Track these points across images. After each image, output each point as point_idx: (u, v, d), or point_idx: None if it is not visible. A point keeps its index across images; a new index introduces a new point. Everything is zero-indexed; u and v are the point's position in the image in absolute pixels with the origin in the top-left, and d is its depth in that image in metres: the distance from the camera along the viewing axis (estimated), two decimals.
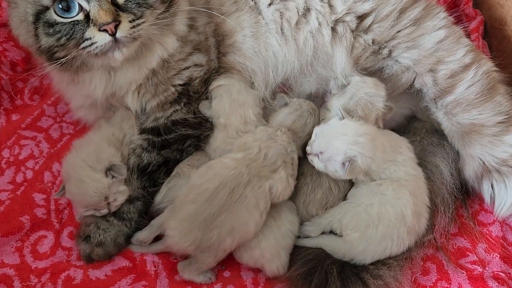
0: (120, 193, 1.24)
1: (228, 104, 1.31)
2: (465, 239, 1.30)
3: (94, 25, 1.09)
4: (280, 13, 1.35)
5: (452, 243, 1.29)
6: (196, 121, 1.32)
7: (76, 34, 1.10)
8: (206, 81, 1.35)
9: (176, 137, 1.30)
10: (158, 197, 1.29)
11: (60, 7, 1.09)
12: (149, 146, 1.29)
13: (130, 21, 1.11)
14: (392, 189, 1.21)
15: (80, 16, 1.10)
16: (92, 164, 1.22)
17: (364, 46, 1.35)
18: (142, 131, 1.32)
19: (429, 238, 1.25)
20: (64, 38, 1.10)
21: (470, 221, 1.32)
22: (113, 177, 1.22)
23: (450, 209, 1.30)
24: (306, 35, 1.35)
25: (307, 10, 1.35)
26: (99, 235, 1.24)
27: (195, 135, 1.32)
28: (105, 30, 1.09)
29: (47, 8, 1.10)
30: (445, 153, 1.37)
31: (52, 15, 1.10)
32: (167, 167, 1.29)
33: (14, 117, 1.54)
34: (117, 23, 1.09)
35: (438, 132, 1.41)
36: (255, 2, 1.37)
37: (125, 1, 1.12)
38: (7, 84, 1.57)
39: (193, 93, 1.33)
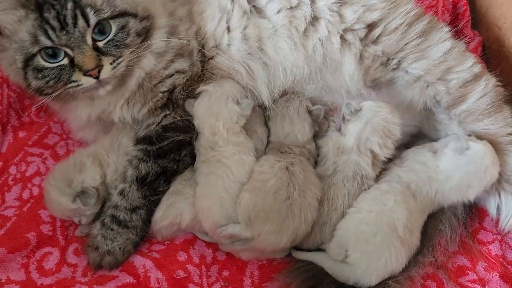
0: (85, 216, 1.31)
1: (204, 109, 1.33)
2: (465, 258, 1.31)
3: (79, 70, 1.18)
4: (289, 20, 1.37)
5: (452, 262, 1.30)
6: (184, 124, 1.34)
7: (63, 77, 1.18)
8: (188, 88, 1.37)
9: (169, 143, 1.32)
10: (158, 214, 1.30)
11: (48, 52, 1.17)
12: (144, 156, 1.31)
13: (111, 63, 1.21)
14: (394, 201, 1.24)
15: (65, 61, 1.18)
16: (62, 188, 1.27)
17: (374, 56, 1.37)
18: (137, 141, 1.34)
19: (430, 260, 1.26)
20: (52, 81, 1.19)
21: (470, 240, 1.33)
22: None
23: (457, 236, 1.32)
24: (315, 43, 1.37)
25: (315, 18, 1.37)
26: (107, 245, 1.28)
27: (187, 140, 1.33)
28: (90, 75, 1.18)
29: (34, 55, 1.17)
30: None
31: (40, 61, 1.18)
32: (165, 176, 1.31)
33: (21, 134, 1.56)
34: (100, 67, 1.19)
35: None
36: (253, 6, 1.38)
37: (104, 45, 1.20)
38: (15, 101, 1.60)
39: (176, 99, 1.36)
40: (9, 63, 1.21)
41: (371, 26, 1.37)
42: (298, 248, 1.29)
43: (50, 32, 1.14)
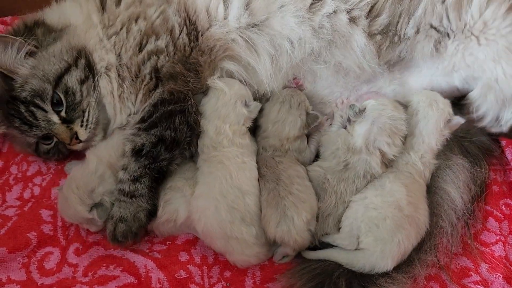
0: (94, 225, 1.31)
1: (210, 110, 1.34)
2: (468, 259, 1.31)
3: (64, 143, 1.35)
4: None
5: (455, 263, 1.30)
6: (174, 98, 1.33)
7: (63, 150, 1.39)
8: (184, 60, 1.36)
9: (158, 115, 1.31)
10: (159, 212, 1.30)
11: (43, 137, 1.36)
12: (138, 131, 1.32)
13: (81, 125, 1.32)
14: (389, 182, 1.29)
15: (55, 139, 1.36)
16: (83, 197, 1.27)
17: (381, 28, 1.40)
18: (133, 124, 1.35)
19: (432, 259, 1.26)
20: (57, 154, 1.40)
21: (471, 242, 1.33)
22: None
23: (458, 233, 1.31)
24: (322, 18, 1.39)
25: None
26: (120, 212, 1.29)
27: (177, 109, 1.32)
28: (73, 143, 1.33)
29: (37, 144, 1.38)
30: (454, 176, 1.38)
31: (44, 147, 1.38)
32: (165, 145, 1.30)
33: None
34: (75, 135, 1.32)
35: (443, 154, 1.40)
36: None
37: (66, 114, 1.31)
38: None
39: (164, 76, 1.35)
40: (23, 148, 1.44)
41: (373, 2, 1.40)
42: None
43: (27, 133, 1.32)
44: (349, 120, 1.35)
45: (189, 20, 1.39)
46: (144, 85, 1.35)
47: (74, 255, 1.31)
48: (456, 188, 1.36)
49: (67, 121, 1.31)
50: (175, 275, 1.26)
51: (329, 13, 1.39)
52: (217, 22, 1.39)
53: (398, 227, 1.22)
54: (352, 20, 1.40)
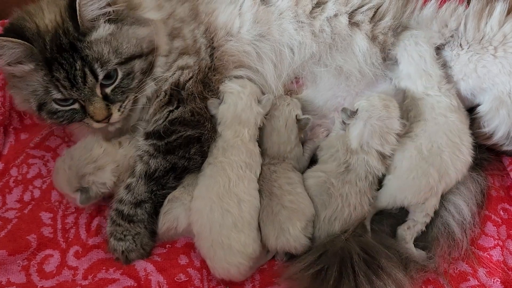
0: (74, 200, 1.33)
1: (230, 117, 1.35)
2: (466, 263, 1.32)
3: (91, 117, 1.24)
4: (295, 2, 1.41)
5: (453, 267, 1.30)
6: (194, 119, 1.34)
7: (76, 118, 1.26)
8: (203, 80, 1.38)
9: (177, 139, 1.32)
10: (159, 224, 1.31)
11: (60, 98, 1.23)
12: (155, 151, 1.31)
13: (118, 109, 1.27)
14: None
15: (77, 106, 1.25)
16: (72, 177, 1.29)
17: (385, 30, 1.42)
18: (147, 136, 1.35)
19: (431, 267, 1.27)
20: (66, 120, 1.27)
21: (469, 247, 1.33)
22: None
23: (460, 241, 1.32)
24: (322, 22, 1.41)
25: (322, 2, 1.42)
26: (121, 246, 1.30)
27: (195, 135, 1.33)
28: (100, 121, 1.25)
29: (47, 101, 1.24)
30: (465, 188, 1.38)
31: (53, 105, 1.24)
32: (175, 173, 1.32)
33: (23, 136, 1.56)
34: (109, 116, 1.25)
35: None
36: None
37: (111, 92, 1.24)
38: None
39: (188, 95, 1.35)
40: (22, 100, 1.28)
41: (377, 6, 1.42)
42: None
43: (61, 89, 1.19)
44: (344, 123, 1.37)
45: (211, 39, 1.41)
46: (157, 101, 1.34)
47: (74, 258, 1.31)
48: (465, 200, 1.37)
49: (106, 99, 1.24)
50: (175, 279, 1.26)
51: (330, 17, 1.41)
52: (233, 37, 1.41)
53: (415, 166, 1.30)
54: (355, 24, 1.42)
